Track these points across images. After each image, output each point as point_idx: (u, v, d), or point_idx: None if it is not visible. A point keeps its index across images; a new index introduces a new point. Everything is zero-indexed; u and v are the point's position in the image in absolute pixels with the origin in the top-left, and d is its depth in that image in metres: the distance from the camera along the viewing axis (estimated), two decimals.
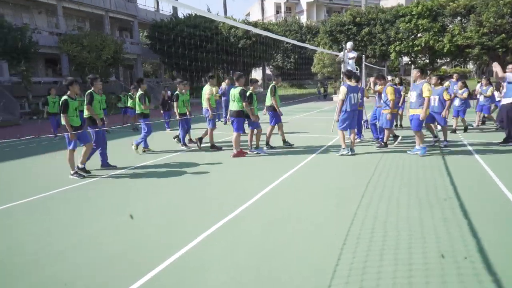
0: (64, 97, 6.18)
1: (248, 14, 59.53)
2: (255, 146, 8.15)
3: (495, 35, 24.02)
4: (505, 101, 7.88)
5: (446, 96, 8.07)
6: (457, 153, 7.40)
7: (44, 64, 28.01)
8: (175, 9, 37.90)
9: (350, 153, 7.47)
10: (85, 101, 6.53)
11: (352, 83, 7.61)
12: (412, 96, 7.24)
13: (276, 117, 8.36)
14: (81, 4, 26.38)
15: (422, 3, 26.37)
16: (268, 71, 46.87)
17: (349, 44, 11.93)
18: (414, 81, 7.36)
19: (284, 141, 8.69)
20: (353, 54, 11.74)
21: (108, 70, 25.92)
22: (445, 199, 4.58)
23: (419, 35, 26.60)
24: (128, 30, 35.89)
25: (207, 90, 8.75)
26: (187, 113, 8.82)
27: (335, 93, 34.00)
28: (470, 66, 44.70)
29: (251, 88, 8.18)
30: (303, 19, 54.29)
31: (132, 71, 35.42)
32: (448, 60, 28.33)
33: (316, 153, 7.92)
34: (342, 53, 11.74)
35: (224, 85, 13.44)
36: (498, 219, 3.94)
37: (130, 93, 12.59)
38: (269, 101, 8.34)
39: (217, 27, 31.28)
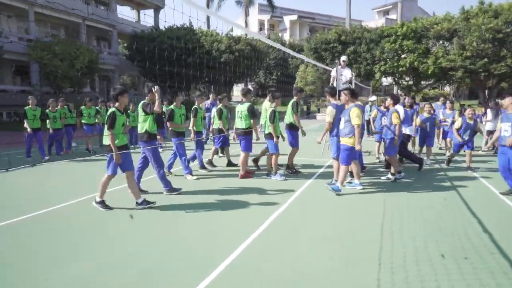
0: (112, 109, 5.10)
1: (231, 30, 59.24)
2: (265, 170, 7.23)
3: (478, 59, 24.12)
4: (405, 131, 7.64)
5: (395, 120, 6.68)
6: (463, 179, 6.50)
7: (11, 72, 26.17)
8: (156, 20, 36.88)
9: (358, 186, 6.17)
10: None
11: (339, 102, 6.41)
12: (340, 122, 6.05)
13: (296, 137, 7.34)
14: (55, 10, 24.88)
15: (407, 24, 26.38)
16: (249, 87, 46.22)
17: (344, 57, 11.07)
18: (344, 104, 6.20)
19: (289, 166, 7.63)
20: (348, 71, 10.85)
21: (82, 80, 24.38)
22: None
23: (403, 56, 26.50)
24: (107, 40, 34.48)
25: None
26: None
27: (319, 111, 33.53)
28: (447, 88, 45.48)
29: (273, 104, 7.14)
30: (286, 36, 54.42)
31: (110, 83, 33.87)
32: (431, 82, 28.34)
33: (311, 179, 6.89)
34: (334, 69, 10.90)
35: (208, 101, 11.91)
36: None
37: (98, 107, 11.28)
38: (289, 118, 7.28)
39: (199, 40, 30.38)
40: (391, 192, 6.07)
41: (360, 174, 6.48)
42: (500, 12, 24.01)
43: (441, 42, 26.32)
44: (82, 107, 10.84)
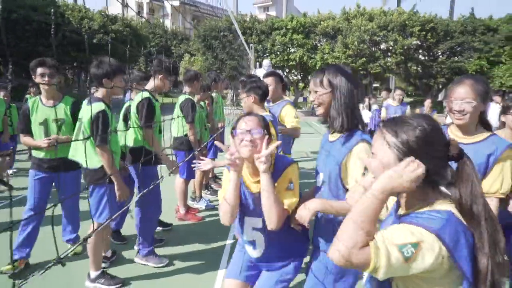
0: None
1: (107, 9, 52.23)
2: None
3: (358, 58, 25.70)
4: None
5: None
6: None
7: None
8: None
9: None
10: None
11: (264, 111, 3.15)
12: None
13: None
14: None
15: (296, 18, 26.51)
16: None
17: (266, 62, 9.29)
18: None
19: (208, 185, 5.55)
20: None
21: None
22: None
23: (292, 50, 26.58)
24: None
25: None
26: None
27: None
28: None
29: (197, 97, 4.81)
30: (168, 23, 50.94)
31: None
32: None
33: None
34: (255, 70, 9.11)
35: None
36: None
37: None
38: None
39: (63, 14, 25.01)
40: None
41: None
42: (373, 16, 26.05)
43: (325, 40, 27.26)
44: None
